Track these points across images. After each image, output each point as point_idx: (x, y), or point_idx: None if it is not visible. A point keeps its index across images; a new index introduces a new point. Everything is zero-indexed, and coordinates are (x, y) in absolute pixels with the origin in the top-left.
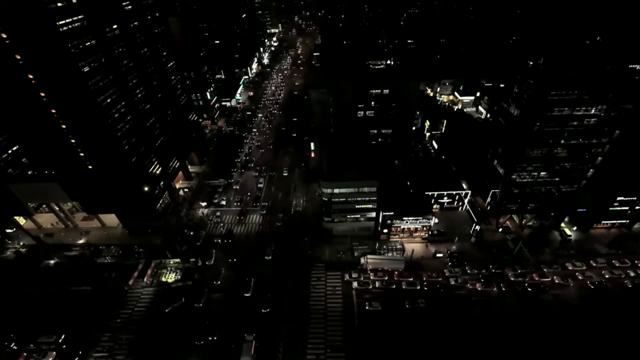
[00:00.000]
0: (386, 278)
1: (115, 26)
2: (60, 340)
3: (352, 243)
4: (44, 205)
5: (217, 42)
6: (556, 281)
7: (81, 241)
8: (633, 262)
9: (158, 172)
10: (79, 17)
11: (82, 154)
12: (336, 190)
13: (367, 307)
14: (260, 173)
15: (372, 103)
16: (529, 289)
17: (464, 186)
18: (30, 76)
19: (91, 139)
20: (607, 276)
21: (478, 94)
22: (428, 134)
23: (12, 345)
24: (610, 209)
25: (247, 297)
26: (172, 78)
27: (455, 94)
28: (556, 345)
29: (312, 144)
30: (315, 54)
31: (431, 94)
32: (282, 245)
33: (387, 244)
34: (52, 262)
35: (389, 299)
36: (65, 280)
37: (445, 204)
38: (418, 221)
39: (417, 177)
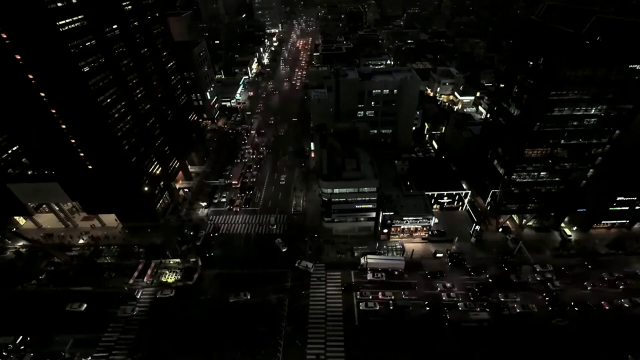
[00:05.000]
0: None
1: (115, 26)
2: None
3: (352, 243)
4: (44, 205)
5: (217, 42)
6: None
7: (81, 241)
8: None
9: (158, 172)
10: (79, 17)
11: (82, 154)
12: (336, 190)
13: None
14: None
15: (372, 103)
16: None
17: (464, 186)
18: (30, 76)
19: (91, 139)
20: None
21: (478, 94)
22: (427, 135)
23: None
24: (610, 209)
25: None
26: (172, 78)
27: (455, 94)
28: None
29: (312, 144)
30: (315, 54)
31: (431, 94)
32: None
33: (387, 244)
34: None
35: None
36: (65, 281)
37: (445, 204)
38: (418, 221)
39: (417, 177)
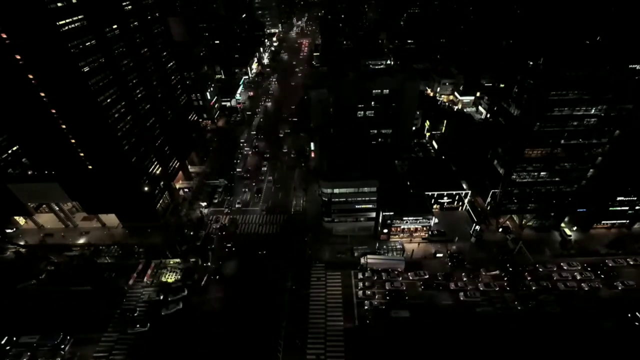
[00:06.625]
0: None
1: (115, 26)
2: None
3: (352, 243)
4: (44, 205)
5: (217, 42)
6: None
7: (81, 241)
8: None
9: (158, 172)
10: (79, 17)
11: (82, 154)
12: (336, 190)
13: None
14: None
15: (372, 103)
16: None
17: (464, 186)
18: (30, 76)
19: (91, 139)
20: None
21: (478, 94)
22: (428, 134)
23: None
24: (611, 209)
25: None
26: (172, 78)
27: (455, 94)
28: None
29: (312, 144)
30: (315, 54)
31: (431, 94)
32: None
33: (387, 244)
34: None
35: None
36: (65, 280)
37: (445, 204)
38: (418, 221)
39: (417, 177)
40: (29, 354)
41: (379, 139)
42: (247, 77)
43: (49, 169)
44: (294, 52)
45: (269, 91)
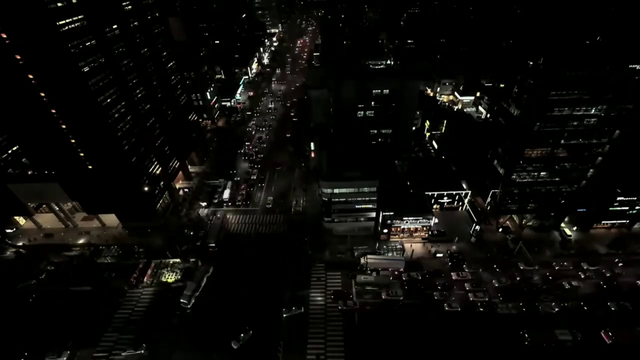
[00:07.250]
0: None
1: (115, 26)
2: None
3: (352, 243)
4: (44, 205)
5: (217, 42)
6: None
7: (81, 241)
8: None
9: (158, 172)
10: (79, 17)
11: (82, 154)
12: (336, 190)
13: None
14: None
15: (372, 103)
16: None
17: (464, 186)
18: (30, 76)
19: (91, 139)
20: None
21: (478, 94)
22: (428, 134)
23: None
24: (610, 209)
25: None
26: (172, 78)
27: (455, 94)
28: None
29: (312, 144)
30: (315, 54)
31: (431, 94)
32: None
33: (387, 244)
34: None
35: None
36: (65, 280)
37: (445, 204)
38: (418, 221)
39: (417, 177)
40: None
41: (379, 139)
42: (247, 77)
43: (49, 169)
44: (293, 51)
45: (268, 91)
